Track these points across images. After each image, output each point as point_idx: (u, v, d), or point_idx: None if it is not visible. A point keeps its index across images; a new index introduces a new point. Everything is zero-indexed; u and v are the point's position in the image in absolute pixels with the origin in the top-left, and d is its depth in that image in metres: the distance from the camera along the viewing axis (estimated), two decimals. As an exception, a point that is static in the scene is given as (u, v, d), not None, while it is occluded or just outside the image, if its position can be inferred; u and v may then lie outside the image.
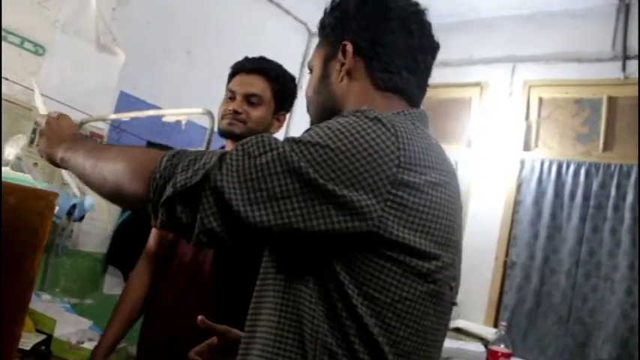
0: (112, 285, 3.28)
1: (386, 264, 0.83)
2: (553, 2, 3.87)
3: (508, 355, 3.09)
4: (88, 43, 3.04)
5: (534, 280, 3.73)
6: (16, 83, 2.74)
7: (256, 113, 1.77)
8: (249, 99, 1.77)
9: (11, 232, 1.05)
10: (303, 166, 0.81)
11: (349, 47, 1.04)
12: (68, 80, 2.96)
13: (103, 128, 3.14)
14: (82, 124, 2.95)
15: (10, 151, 1.81)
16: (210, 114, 2.24)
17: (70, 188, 2.69)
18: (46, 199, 1.12)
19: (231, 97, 1.80)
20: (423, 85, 1.08)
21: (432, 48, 1.09)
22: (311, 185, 0.81)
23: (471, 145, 4.35)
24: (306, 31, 4.27)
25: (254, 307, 0.95)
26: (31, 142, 2.84)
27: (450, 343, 3.01)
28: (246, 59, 1.85)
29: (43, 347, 1.73)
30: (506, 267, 3.91)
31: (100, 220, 3.17)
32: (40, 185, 1.51)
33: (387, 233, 0.82)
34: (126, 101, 3.21)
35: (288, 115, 1.97)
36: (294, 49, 4.17)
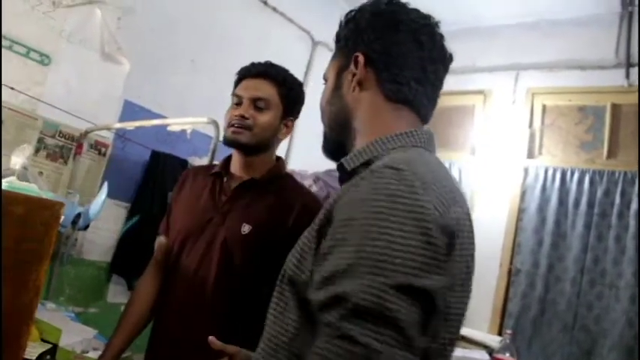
0: (117, 294, 3.28)
1: None
2: (556, 10, 3.88)
3: (513, 364, 3.08)
4: (93, 53, 3.06)
5: (539, 288, 3.72)
6: (22, 93, 2.76)
7: (263, 118, 1.70)
8: (256, 103, 1.70)
9: (17, 241, 1.06)
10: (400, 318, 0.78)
11: (361, 58, 1.05)
12: (73, 89, 2.98)
13: (107, 137, 3.16)
14: (87, 133, 2.98)
15: (16, 161, 1.81)
16: (214, 123, 2.25)
17: (75, 197, 2.71)
18: (51, 208, 1.12)
19: (237, 102, 1.73)
20: (433, 96, 1.09)
21: (444, 59, 1.09)
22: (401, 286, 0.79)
23: (474, 152, 4.35)
24: (310, 40, 4.29)
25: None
26: (37, 151, 2.86)
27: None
28: (252, 64, 1.79)
29: (48, 357, 1.73)
30: (511, 274, 3.91)
31: (105, 229, 3.18)
32: (46, 195, 1.52)
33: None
34: (130, 110, 3.22)
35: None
36: (298, 57, 4.19)
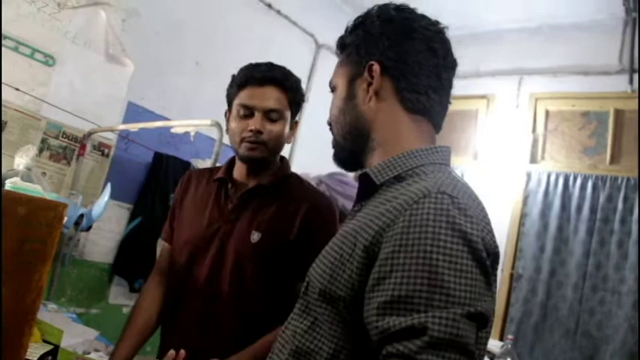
0: (118, 295, 3.29)
1: None
2: (560, 15, 3.88)
3: (514, 369, 3.07)
4: (97, 54, 3.07)
5: (541, 293, 3.72)
6: (26, 93, 2.77)
7: (277, 129, 1.63)
8: (269, 115, 1.61)
9: (20, 242, 1.06)
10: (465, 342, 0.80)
11: (376, 67, 1.03)
12: (77, 90, 2.99)
13: (111, 139, 3.17)
14: (90, 134, 2.99)
15: (20, 162, 1.82)
16: (218, 125, 2.25)
17: (78, 198, 2.71)
18: (55, 209, 1.13)
19: (246, 114, 1.62)
20: (445, 104, 1.09)
21: (454, 65, 1.09)
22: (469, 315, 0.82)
23: (477, 157, 4.35)
24: (314, 43, 4.30)
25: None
26: (40, 151, 2.86)
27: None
28: (254, 68, 1.66)
29: (49, 358, 1.73)
30: (513, 280, 3.90)
31: (107, 231, 3.18)
32: (50, 196, 1.52)
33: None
34: (134, 112, 3.23)
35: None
36: (301, 60, 4.19)
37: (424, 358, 0.76)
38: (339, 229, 1.04)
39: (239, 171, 1.70)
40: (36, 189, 1.41)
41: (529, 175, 4.02)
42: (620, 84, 3.74)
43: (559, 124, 4.07)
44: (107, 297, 3.26)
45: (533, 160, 4.07)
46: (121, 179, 3.15)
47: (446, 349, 0.76)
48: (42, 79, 2.85)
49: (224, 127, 1.84)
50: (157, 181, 3.27)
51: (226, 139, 1.83)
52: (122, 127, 3.07)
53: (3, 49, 2.65)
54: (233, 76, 1.71)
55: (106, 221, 3.09)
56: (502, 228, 3.88)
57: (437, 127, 1.08)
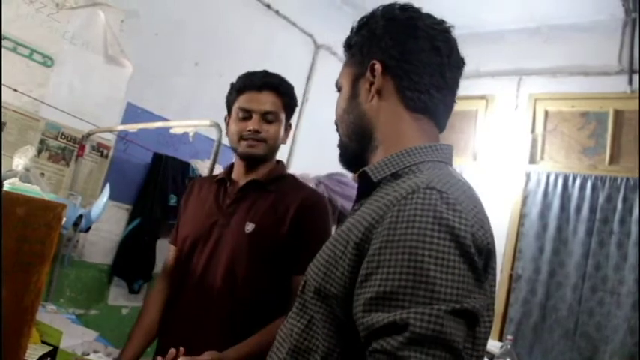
0: (118, 296, 3.28)
1: None
2: (559, 16, 3.88)
3: (514, 370, 3.07)
4: (96, 55, 3.07)
5: (540, 294, 3.71)
6: (25, 94, 2.76)
7: (273, 130, 1.78)
8: (266, 117, 1.77)
9: (19, 243, 1.06)
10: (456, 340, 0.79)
11: (378, 66, 1.03)
12: (76, 91, 2.98)
13: (110, 139, 3.16)
14: (89, 135, 2.99)
15: (19, 162, 1.81)
16: (217, 126, 2.26)
17: (77, 199, 2.71)
18: (54, 210, 1.12)
19: (245, 116, 1.77)
20: (450, 103, 1.08)
21: (459, 64, 1.09)
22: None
23: (476, 158, 4.35)
24: (313, 43, 4.29)
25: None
26: (39, 152, 2.86)
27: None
28: (251, 76, 1.83)
29: (48, 359, 1.73)
30: (512, 280, 3.90)
31: (106, 231, 3.18)
32: (48, 197, 1.52)
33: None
34: (133, 112, 3.23)
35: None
36: (300, 61, 4.19)
37: (406, 355, 0.75)
38: (333, 227, 1.04)
39: (237, 170, 1.84)
40: (34, 190, 1.41)
41: (528, 176, 4.02)
42: (619, 84, 3.74)
43: (558, 124, 4.07)
44: (106, 298, 3.26)
45: (532, 160, 4.07)
46: (120, 180, 3.14)
47: (429, 345, 0.75)
48: (40, 80, 2.85)
49: (223, 128, 2.00)
50: (156, 181, 3.26)
51: (225, 140, 1.97)
52: (121, 127, 3.07)
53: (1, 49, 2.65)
54: (232, 84, 1.87)
55: (105, 222, 3.08)
56: (501, 228, 3.88)
57: (440, 125, 1.08)
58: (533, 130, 4.13)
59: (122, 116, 3.20)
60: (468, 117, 4.46)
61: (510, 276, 3.91)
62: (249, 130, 1.74)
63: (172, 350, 1.45)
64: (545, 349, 3.60)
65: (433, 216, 0.82)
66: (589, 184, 3.69)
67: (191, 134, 2.48)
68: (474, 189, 0.98)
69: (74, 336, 2.01)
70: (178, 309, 1.76)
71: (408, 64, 1.03)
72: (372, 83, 1.04)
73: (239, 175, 1.82)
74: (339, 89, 1.14)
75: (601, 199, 3.62)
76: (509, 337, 3.27)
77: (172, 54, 3.43)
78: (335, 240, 0.94)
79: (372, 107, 1.05)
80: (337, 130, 1.13)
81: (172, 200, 3.27)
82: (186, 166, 3.38)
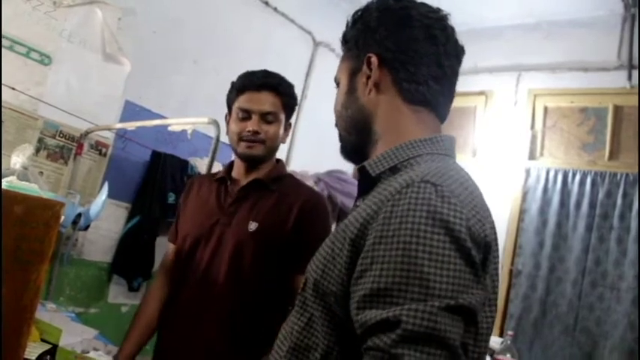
0: (117, 294, 3.28)
1: None
2: (558, 11, 3.88)
3: (514, 365, 3.07)
4: (93, 53, 3.06)
5: (540, 290, 3.72)
6: (22, 93, 2.75)
7: (272, 130, 1.78)
8: (265, 117, 1.76)
9: (18, 241, 1.05)
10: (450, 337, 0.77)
11: (374, 59, 1.02)
12: (74, 89, 2.98)
13: (108, 137, 3.16)
14: (87, 133, 2.98)
15: (17, 161, 1.81)
16: (215, 123, 2.25)
17: (76, 197, 2.70)
18: (52, 208, 1.12)
19: (245, 117, 1.77)
20: (450, 92, 1.07)
21: (458, 52, 1.07)
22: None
23: (475, 154, 4.35)
24: (311, 40, 4.28)
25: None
26: (37, 151, 2.85)
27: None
28: (250, 76, 1.82)
29: (48, 357, 1.72)
30: (512, 276, 3.90)
31: (105, 230, 3.17)
32: (47, 195, 1.51)
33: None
34: (131, 110, 3.22)
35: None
36: (299, 58, 4.18)
37: (399, 352, 0.74)
38: (333, 225, 1.04)
39: (237, 169, 1.84)
40: (33, 188, 1.40)
41: (528, 172, 4.02)
42: (618, 80, 3.74)
43: (558, 120, 4.06)
44: (106, 296, 3.26)
45: (531, 156, 4.07)
46: (119, 178, 3.14)
47: (423, 343, 0.74)
48: (38, 79, 2.84)
49: (222, 126, 1.99)
50: (154, 179, 3.26)
51: (223, 137, 1.97)
52: (119, 125, 3.06)
53: (-1, 48, 2.64)
54: (232, 83, 1.86)
55: (104, 220, 3.08)
56: (501, 224, 3.87)
57: (441, 117, 1.07)
58: (532, 126, 4.12)
59: (120, 114, 3.20)
60: (467, 113, 4.46)
61: (510, 272, 3.91)
62: (249, 131, 1.74)
63: None
64: (545, 345, 3.61)
65: (427, 210, 0.80)
66: (589, 180, 3.69)
67: (189, 132, 2.47)
68: (476, 183, 0.97)
69: (74, 334, 2.01)
70: (179, 306, 1.76)
71: (403, 55, 1.01)
72: (368, 77, 1.03)
73: (240, 174, 1.82)
74: (338, 85, 1.13)
75: (601, 195, 3.62)
76: (510, 332, 3.26)
77: (170, 51, 3.42)
78: (334, 237, 0.94)
79: (370, 101, 1.03)
80: (336, 125, 1.12)
81: (171, 198, 3.26)
82: (184, 163, 3.37)
